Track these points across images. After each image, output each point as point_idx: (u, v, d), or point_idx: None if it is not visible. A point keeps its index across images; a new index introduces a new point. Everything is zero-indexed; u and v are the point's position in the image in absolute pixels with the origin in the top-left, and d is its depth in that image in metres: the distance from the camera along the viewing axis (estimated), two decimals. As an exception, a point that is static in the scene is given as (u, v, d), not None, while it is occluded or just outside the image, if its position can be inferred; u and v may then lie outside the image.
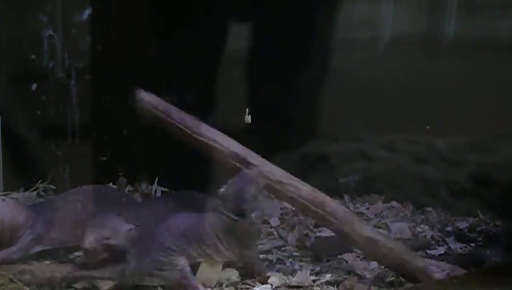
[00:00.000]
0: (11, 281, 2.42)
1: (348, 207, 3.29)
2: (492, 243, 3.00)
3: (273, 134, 3.39)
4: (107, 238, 2.61)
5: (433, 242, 3.01)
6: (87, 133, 3.27)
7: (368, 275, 2.66)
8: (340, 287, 2.57)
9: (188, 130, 2.64)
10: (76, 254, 2.76)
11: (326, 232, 2.90)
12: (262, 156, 3.27)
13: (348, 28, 3.41)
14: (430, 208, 3.29)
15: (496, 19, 3.31)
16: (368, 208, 3.29)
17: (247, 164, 2.64)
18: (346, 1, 3.42)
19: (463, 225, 3.17)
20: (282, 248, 2.89)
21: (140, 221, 2.69)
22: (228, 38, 3.39)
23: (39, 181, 3.29)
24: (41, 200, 3.15)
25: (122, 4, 3.25)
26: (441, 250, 2.94)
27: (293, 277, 2.61)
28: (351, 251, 2.81)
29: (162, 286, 2.50)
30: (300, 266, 2.72)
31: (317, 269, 2.70)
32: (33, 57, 3.19)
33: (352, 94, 3.35)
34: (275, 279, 2.59)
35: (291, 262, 2.77)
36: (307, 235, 2.97)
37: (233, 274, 2.60)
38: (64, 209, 2.79)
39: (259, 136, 3.27)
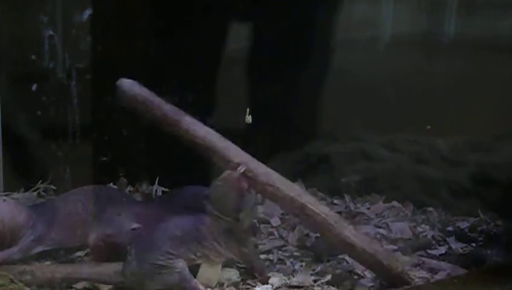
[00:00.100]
0: (12, 281, 2.42)
1: (348, 207, 3.30)
2: (493, 243, 3.00)
3: (273, 134, 3.40)
4: (111, 235, 2.63)
5: (433, 242, 3.01)
6: (88, 133, 3.27)
7: (368, 275, 2.65)
8: (340, 287, 2.57)
9: (168, 120, 2.55)
10: (77, 254, 2.77)
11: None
12: (263, 156, 3.29)
13: (348, 28, 3.41)
14: (430, 208, 3.29)
15: (496, 18, 3.32)
16: (368, 208, 3.29)
17: (227, 157, 2.59)
18: (346, 1, 3.42)
19: (464, 224, 3.17)
20: (283, 248, 2.89)
21: (141, 221, 2.70)
22: (228, 38, 3.39)
23: (40, 181, 3.28)
24: (42, 200, 3.14)
25: (122, 4, 3.25)
26: (442, 250, 2.94)
27: (293, 277, 2.62)
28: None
29: (162, 290, 2.50)
30: (301, 266, 2.72)
31: (318, 269, 2.70)
32: (33, 57, 3.19)
33: (353, 94, 3.35)
34: (275, 279, 2.59)
35: (291, 262, 2.77)
36: (307, 235, 2.97)
37: (234, 274, 2.60)
38: (64, 210, 2.78)
39: (259, 136, 3.28)
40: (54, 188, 3.27)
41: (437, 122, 3.30)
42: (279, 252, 2.86)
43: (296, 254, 2.85)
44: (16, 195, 3.20)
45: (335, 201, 3.37)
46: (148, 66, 3.34)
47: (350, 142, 3.48)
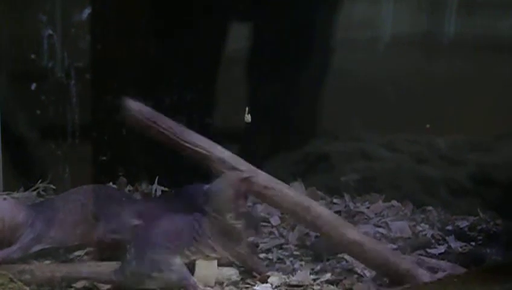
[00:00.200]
0: (11, 280, 2.41)
1: (348, 206, 3.30)
2: (493, 242, 3.00)
3: (273, 134, 3.40)
4: (114, 231, 2.64)
5: (433, 241, 3.01)
6: (87, 132, 3.28)
7: (368, 274, 2.65)
8: (339, 286, 2.57)
9: (173, 137, 2.65)
10: (77, 253, 2.77)
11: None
12: (263, 156, 3.30)
13: (348, 28, 3.41)
14: (430, 207, 3.29)
15: (496, 18, 3.32)
16: (368, 207, 3.29)
17: (232, 168, 2.66)
18: (346, 1, 3.42)
19: (463, 223, 3.17)
20: (283, 247, 2.89)
21: (140, 219, 2.72)
22: (228, 38, 3.39)
23: (39, 181, 3.29)
24: (42, 200, 3.15)
25: (122, 4, 3.25)
26: (441, 249, 2.94)
27: (293, 276, 2.61)
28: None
29: (161, 289, 2.49)
30: (301, 265, 2.71)
31: (318, 268, 2.70)
32: (33, 56, 3.19)
33: (353, 94, 3.35)
34: (275, 278, 2.59)
35: (291, 261, 2.77)
36: (307, 234, 2.97)
37: (233, 273, 2.60)
38: (64, 209, 2.78)
39: (259, 135, 3.28)
40: (54, 187, 3.27)
41: (437, 121, 3.30)
42: (279, 251, 2.86)
43: (295, 253, 2.85)
44: (15, 194, 3.20)
45: (334, 200, 3.37)
46: (148, 65, 3.35)
47: (350, 142, 3.49)
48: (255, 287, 2.56)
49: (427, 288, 2.47)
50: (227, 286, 2.56)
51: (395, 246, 2.90)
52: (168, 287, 2.48)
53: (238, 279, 2.59)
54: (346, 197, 3.37)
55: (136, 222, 2.72)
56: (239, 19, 3.42)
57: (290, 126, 3.47)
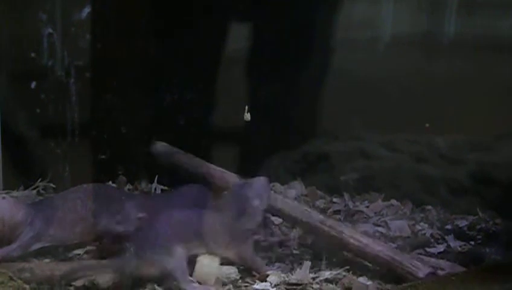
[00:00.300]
0: (11, 279, 2.41)
1: (347, 205, 3.30)
2: (492, 241, 3.00)
3: (273, 133, 3.40)
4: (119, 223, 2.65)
5: (432, 240, 3.01)
6: (87, 131, 3.28)
7: (367, 273, 2.65)
8: (338, 285, 2.57)
9: (193, 169, 3.04)
10: (76, 252, 2.77)
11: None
12: (263, 155, 3.31)
13: (348, 28, 3.41)
14: (429, 206, 3.30)
15: (496, 18, 3.32)
16: (367, 206, 3.30)
17: None
18: (346, 1, 3.42)
19: (462, 223, 3.18)
20: (283, 246, 2.89)
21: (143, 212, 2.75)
22: (228, 38, 3.39)
23: (39, 180, 3.29)
24: (41, 198, 3.15)
25: (122, 3, 3.26)
26: (441, 248, 2.94)
27: (292, 274, 2.61)
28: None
29: (158, 285, 2.50)
30: (300, 263, 2.71)
31: (317, 267, 2.70)
32: (33, 55, 3.20)
33: (352, 94, 3.36)
34: (274, 277, 2.59)
35: (290, 260, 2.77)
36: (308, 233, 2.96)
37: (232, 272, 2.60)
38: (63, 208, 2.79)
39: (259, 135, 3.29)
40: (53, 186, 3.27)
41: (436, 121, 3.30)
42: (279, 249, 2.86)
43: (295, 252, 2.85)
44: (15, 193, 3.21)
45: (334, 199, 3.37)
46: (148, 65, 3.35)
47: (349, 141, 3.49)
48: (254, 286, 2.56)
49: (426, 287, 2.46)
50: (226, 284, 2.56)
51: (394, 245, 2.90)
52: (164, 274, 2.49)
53: (238, 277, 2.60)
54: (346, 196, 3.37)
55: (140, 214, 2.75)
56: (239, 19, 3.42)
57: (290, 126, 3.47)
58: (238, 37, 3.39)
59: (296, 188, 3.40)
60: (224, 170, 2.98)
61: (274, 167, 3.45)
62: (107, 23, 3.25)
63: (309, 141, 3.49)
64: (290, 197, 3.26)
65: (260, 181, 2.68)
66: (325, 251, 2.78)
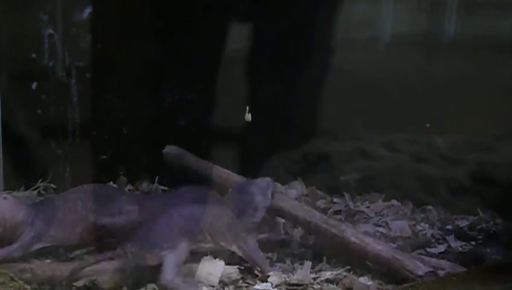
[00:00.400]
0: (12, 279, 2.41)
1: (348, 205, 3.30)
2: (493, 241, 3.01)
3: (274, 133, 3.40)
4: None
5: (433, 240, 3.01)
6: (88, 132, 3.27)
7: (368, 273, 2.65)
8: (339, 285, 2.57)
9: (202, 171, 3.12)
10: (77, 252, 2.77)
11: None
12: (264, 155, 3.31)
13: (348, 28, 3.41)
14: (430, 207, 3.30)
15: (496, 18, 3.32)
16: (368, 207, 3.30)
17: None
18: (346, 1, 3.42)
19: (463, 223, 3.18)
20: (284, 246, 2.89)
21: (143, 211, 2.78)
22: (229, 38, 3.39)
23: (40, 180, 3.29)
24: (42, 199, 3.15)
25: (122, 4, 3.25)
26: (441, 248, 2.94)
27: (293, 274, 2.61)
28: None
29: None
30: (301, 264, 2.71)
31: (318, 267, 2.70)
32: (33, 55, 3.19)
33: (353, 94, 3.36)
34: (275, 277, 2.59)
35: (291, 260, 2.77)
36: (309, 233, 2.96)
37: (233, 272, 2.60)
38: (64, 208, 2.79)
39: (260, 135, 3.28)
40: (54, 186, 3.27)
41: (437, 121, 3.30)
42: (280, 250, 2.86)
43: (296, 252, 2.85)
44: (16, 194, 3.20)
45: (335, 199, 3.38)
46: (149, 65, 3.35)
47: (350, 141, 3.49)
48: (255, 286, 2.56)
49: (427, 287, 2.46)
50: (227, 284, 2.56)
51: (395, 245, 2.90)
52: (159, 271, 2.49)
53: (239, 277, 2.60)
54: (346, 196, 3.38)
55: (130, 207, 2.76)
56: (240, 19, 3.42)
57: (290, 126, 3.47)
58: (239, 37, 3.40)
59: (297, 188, 3.40)
60: (232, 172, 3.03)
61: (274, 167, 3.45)
62: (108, 23, 3.25)
63: (309, 141, 3.49)
64: (291, 197, 3.26)
65: (265, 180, 2.72)
66: (326, 251, 2.79)
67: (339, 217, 3.21)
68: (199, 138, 3.39)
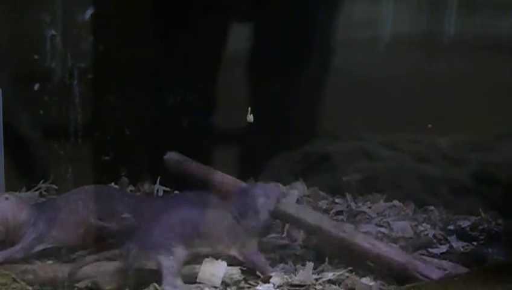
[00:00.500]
0: (14, 280, 2.42)
1: (350, 206, 3.30)
2: (494, 241, 3.01)
3: (275, 134, 3.40)
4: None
5: (435, 241, 3.02)
6: (89, 133, 3.28)
7: (370, 274, 2.66)
8: (341, 286, 2.57)
9: (202, 176, 3.07)
10: (79, 253, 2.77)
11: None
12: (265, 156, 3.31)
13: (348, 28, 3.41)
14: (432, 207, 3.30)
15: (496, 18, 3.32)
16: (369, 207, 3.30)
17: None
18: (346, 1, 3.42)
19: (465, 223, 3.18)
20: (286, 247, 2.89)
21: (142, 213, 2.78)
22: (230, 38, 3.39)
23: (41, 181, 3.29)
24: (44, 200, 3.15)
25: (124, 5, 3.25)
26: (443, 249, 2.94)
27: (295, 275, 2.61)
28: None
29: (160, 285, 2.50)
30: (303, 264, 2.71)
31: (320, 268, 2.70)
32: (35, 56, 3.19)
33: (354, 94, 3.36)
34: (277, 278, 2.59)
35: (293, 261, 2.77)
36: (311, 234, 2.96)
37: (235, 273, 2.60)
38: (66, 209, 2.79)
39: (262, 135, 3.29)
40: (56, 187, 3.27)
41: (437, 121, 3.30)
42: (282, 251, 2.86)
43: (298, 253, 2.85)
44: (18, 194, 3.20)
45: (336, 200, 3.38)
46: (151, 66, 3.35)
47: (351, 142, 3.49)
48: (257, 287, 2.56)
49: (429, 287, 2.47)
50: (229, 285, 2.56)
51: (396, 246, 2.90)
52: (159, 269, 2.50)
53: (241, 278, 2.60)
54: (348, 196, 3.37)
55: (125, 214, 2.76)
56: (240, 20, 3.42)
57: (291, 126, 3.47)
58: (240, 38, 3.40)
59: (298, 188, 3.40)
60: (234, 178, 3.01)
61: (276, 168, 3.45)
62: (110, 24, 3.25)
63: (311, 141, 3.49)
64: (293, 198, 3.27)
65: (270, 185, 2.75)
66: (328, 252, 2.79)
67: (340, 217, 3.21)
68: (201, 139, 3.39)
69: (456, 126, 3.31)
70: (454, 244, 2.98)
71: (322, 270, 2.68)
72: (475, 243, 3.02)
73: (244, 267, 2.63)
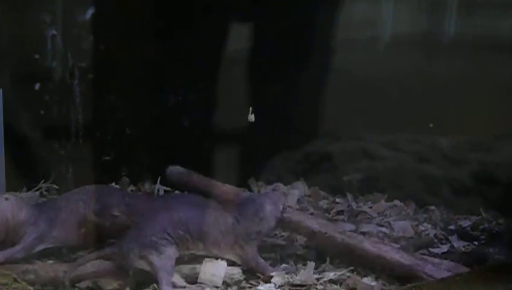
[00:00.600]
0: (15, 280, 2.42)
1: (350, 206, 3.30)
2: (495, 241, 3.01)
3: (276, 133, 3.40)
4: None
5: (436, 240, 3.02)
6: (90, 132, 3.28)
7: (371, 273, 2.66)
8: (343, 286, 2.57)
9: (204, 188, 3.04)
10: (80, 253, 2.77)
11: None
12: (266, 156, 3.31)
13: (348, 28, 3.41)
14: (432, 207, 3.30)
15: (496, 18, 3.32)
16: (370, 207, 3.30)
17: None
18: (346, 1, 3.42)
19: (466, 223, 3.18)
20: (287, 247, 2.89)
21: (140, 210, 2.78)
22: (230, 38, 3.39)
23: (42, 181, 3.29)
24: (44, 200, 3.15)
25: (125, 4, 3.25)
26: (444, 248, 2.94)
27: (296, 275, 2.61)
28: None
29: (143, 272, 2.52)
30: (304, 264, 2.71)
31: (321, 267, 2.70)
32: (36, 56, 3.19)
33: (354, 94, 3.36)
34: (278, 278, 2.59)
35: (294, 261, 2.77)
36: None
37: (236, 273, 2.60)
38: (66, 209, 2.79)
39: (262, 135, 3.29)
40: (56, 187, 3.27)
41: (438, 121, 3.31)
42: (283, 250, 2.86)
43: (299, 252, 2.85)
44: (18, 194, 3.19)
45: (337, 200, 3.38)
46: (152, 66, 3.35)
47: (352, 141, 3.49)
48: (258, 287, 2.56)
49: (430, 287, 2.46)
50: (230, 285, 2.56)
51: (397, 246, 2.90)
52: (149, 270, 2.50)
53: (241, 278, 2.60)
54: (349, 196, 3.38)
55: (116, 212, 2.77)
56: (241, 20, 3.42)
57: (292, 126, 3.47)
58: (240, 38, 3.40)
59: (299, 188, 3.41)
60: (237, 188, 3.02)
61: (277, 167, 3.45)
62: (110, 24, 3.25)
63: (312, 141, 3.49)
64: (293, 197, 3.28)
65: (275, 193, 2.79)
66: (329, 251, 2.79)
67: (341, 217, 3.21)
68: (202, 139, 3.39)
69: (457, 126, 3.31)
70: (455, 244, 2.98)
71: (323, 270, 2.69)
72: (476, 242, 3.02)
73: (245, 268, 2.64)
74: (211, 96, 3.40)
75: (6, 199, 2.72)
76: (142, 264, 2.51)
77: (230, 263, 2.62)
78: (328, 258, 2.75)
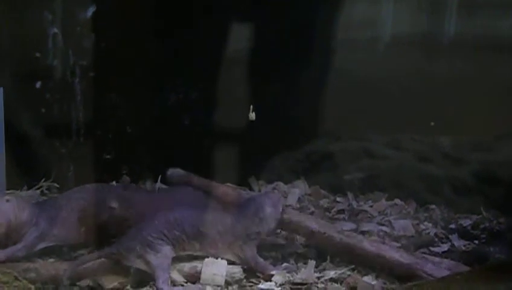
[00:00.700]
0: (16, 279, 2.42)
1: (351, 205, 3.30)
2: (496, 240, 3.01)
3: (277, 132, 3.40)
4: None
5: (436, 239, 3.02)
6: (91, 131, 3.28)
7: (371, 272, 2.66)
8: (343, 285, 2.57)
9: (204, 190, 3.04)
10: (81, 252, 2.77)
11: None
12: (267, 155, 3.31)
13: (348, 28, 3.42)
14: (433, 206, 3.30)
15: (496, 18, 3.32)
16: (371, 206, 3.30)
17: None
18: (346, 1, 3.43)
19: (466, 222, 3.18)
20: (288, 246, 2.89)
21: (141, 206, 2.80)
22: (231, 38, 3.39)
23: (43, 179, 3.29)
24: (45, 198, 3.15)
25: (126, 3, 3.25)
26: (445, 247, 2.94)
27: (297, 274, 2.62)
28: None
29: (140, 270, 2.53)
30: (305, 263, 2.71)
31: (322, 266, 2.70)
32: (37, 55, 3.19)
33: (356, 93, 3.36)
34: (279, 276, 2.59)
35: (295, 259, 2.77)
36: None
37: (237, 272, 2.60)
38: (67, 207, 2.79)
39: (263, 134, 3.29)
40: (57, 186, 3.27)
41: (439, 121, 3.31)
42: (283, 249, 2.86)
43: (300, 251, 2.85)
44: (19, 193, 3.20)
45: (338, 199, 3.38)
46: (153, 64, 3.35)
47: (353, 141, 3.49)
48: (259, 286, 2.56)
49: (431, 286, 2.46)
50: (231, 284, 2.57)
51: (398, 245, 2.90)
52: (146, 269, 2.51)
53: (242, 277, 2.60)
54: (350, 195, 3.38)
55: (113, 204, 2.78)
56: (241, 20, 3.42)
57: (293, 125, 3.47)
58: (241, 38, 3.40)
59: (300, 187, 3.41)
60: (237, 189, 3.04)
61: (277, 166, 3.45)
62: (111, 23, 3.25)
63: (312, 140, 3.49)
64: (294, 196, 3.28)
65: (275, 194, 2.81)
66: (330, 250, 2.79)
67: (342, 216, 3.21)
68: (202, 138, 3.39)
69: (458, 126, 3.31)
70: (456, 243, 2.98)
71: (324, 269, 2.69)
72: (477, 241, 3.02)
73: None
74: (212, 95, 3.40)
75: (8, 200, 2.72)
76: (140, 263, 2.51)
77: (231, 262, 2.62)
78: (328, 257, 2.74)
